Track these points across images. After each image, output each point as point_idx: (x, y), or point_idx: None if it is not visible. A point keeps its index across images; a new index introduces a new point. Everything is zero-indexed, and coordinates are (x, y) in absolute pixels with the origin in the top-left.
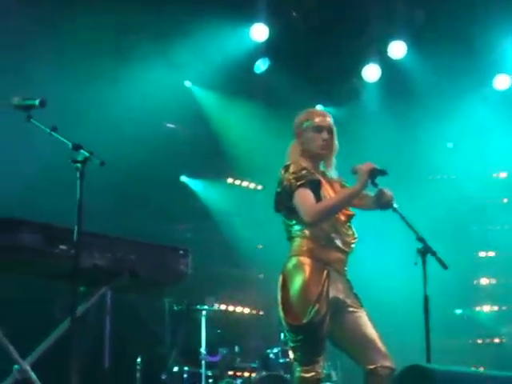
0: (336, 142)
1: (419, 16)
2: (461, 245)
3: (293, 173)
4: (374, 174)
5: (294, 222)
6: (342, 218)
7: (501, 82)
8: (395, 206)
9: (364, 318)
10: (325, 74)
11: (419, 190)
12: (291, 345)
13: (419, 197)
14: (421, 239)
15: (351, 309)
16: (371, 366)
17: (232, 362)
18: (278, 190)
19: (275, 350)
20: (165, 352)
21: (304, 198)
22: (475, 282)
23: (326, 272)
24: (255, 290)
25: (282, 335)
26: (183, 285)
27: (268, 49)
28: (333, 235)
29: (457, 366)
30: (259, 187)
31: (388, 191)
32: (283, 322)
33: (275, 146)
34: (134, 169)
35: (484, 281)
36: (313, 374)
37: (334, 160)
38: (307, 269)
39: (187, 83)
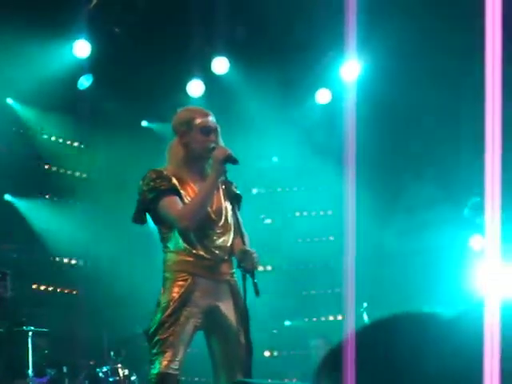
0: (221, 142)
1: (240, 32)
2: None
3: (147, 184)
4: (228, 160)
5: (161, 235)
6: (209, 224)
7: (322, 97)
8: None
9: (231, 332)
10: (149, 90)
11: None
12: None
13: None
14: None
15: (222, 316)
16: None
17: (60, 383)
18: (137, 201)
19: (104, 369)
20: None
21: (168, 205)
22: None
23: (188, 282)
24: (82, 309)
25: (112, 353)
26: (6, 306)
27: (91, 65)
28: (197, 246)
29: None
30: (85, 205)
31: (253, 254)
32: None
33: (102, 163)
34: None
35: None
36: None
37: None
38: (169, 284)
39: (9, 100)
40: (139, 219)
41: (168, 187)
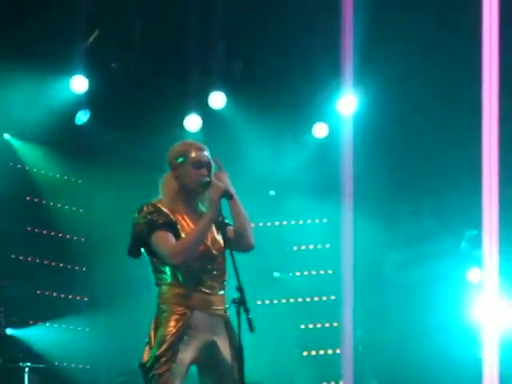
0: (213, 176)
1: (237, 67)
2: None
3: (143, 217)
4: (224, 196)
5: (155, 267)
6: (210, 259)
7: (319, 131)
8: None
9: (226, 368)
10: (146, 125)
11: None
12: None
13: None
14: (240, 290)
15: (218, 352)
16: None
17: None
18: (132, 234)
19: None
20: None
21: (162, 240)
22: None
23: (186, 315)
24: (80, 344)
25: None
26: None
27: (89, 100)
28: (196, 279)
29: None
30: (82, 239)
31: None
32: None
33: (99, 197)
34: None
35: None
36: None
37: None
38: (165, 317)
39: (6, 135)
40: (134, 253)
41: (164, 221)
